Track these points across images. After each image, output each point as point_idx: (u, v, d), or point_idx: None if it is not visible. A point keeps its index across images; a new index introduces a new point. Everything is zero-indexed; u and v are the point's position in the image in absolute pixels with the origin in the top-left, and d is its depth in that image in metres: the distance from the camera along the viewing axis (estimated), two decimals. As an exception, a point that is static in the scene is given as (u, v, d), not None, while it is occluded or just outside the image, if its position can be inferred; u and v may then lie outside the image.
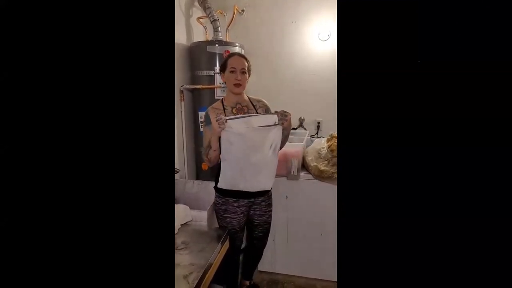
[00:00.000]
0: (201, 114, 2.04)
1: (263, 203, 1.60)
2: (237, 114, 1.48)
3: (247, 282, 1.88)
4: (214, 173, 1.60)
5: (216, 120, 1.30)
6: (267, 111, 1.58)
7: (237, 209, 1.54)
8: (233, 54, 1.50)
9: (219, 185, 1.47)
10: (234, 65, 1.44)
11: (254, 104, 1.56)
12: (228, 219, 1.54)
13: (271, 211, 1.66)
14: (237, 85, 1.45)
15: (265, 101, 1.61)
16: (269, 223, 1.68)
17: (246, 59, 1.49)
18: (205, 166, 2.12)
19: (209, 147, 1.43)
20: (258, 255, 1.83)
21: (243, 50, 2.14)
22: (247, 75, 1.48)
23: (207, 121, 1.45)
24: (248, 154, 1.37)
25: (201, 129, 2.04)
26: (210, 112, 1.47)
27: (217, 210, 1.57)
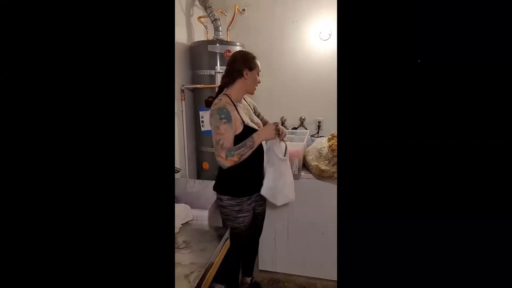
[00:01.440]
0: (202, 114, 2.04)
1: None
2: (242, 111, 1.49)
3: (248, 280, 1.88)
4: (214, 172, 1.61)
5: (278, 128, 1.42)
6: (254, 108, 1.65)
7: (249, 206, 1.56)
8: (255, 57, 1.48)
9: (262, 193, 1.53)
10: (259, 69, 1.48)
11: (247, 102, 1.61)
12: (241, 218, 1.53)
13: (266, 199, 1.70)
14: (256, 86, 1.50)
15: (249, 98, 1.66)
16: (265, 210, 1.77)
17: None
18: (206, 165, 2.12)
19: (247, 147, 1.37)
20: (256, 245, 1.86)
21: (243, 50, 2.14)
22: None
23: (228, 118, 1.36)
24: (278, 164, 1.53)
25: (203, 128, 2.05)
26: (228, 109, 1.38)
27: (229, 213, 1.52)
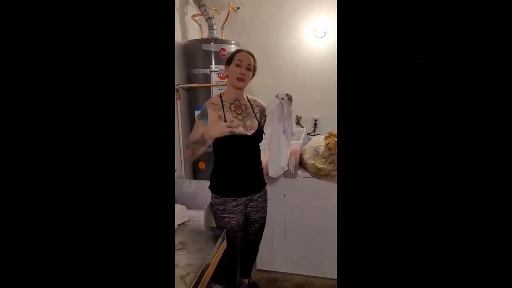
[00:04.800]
0: (198, 113, 2.02)
1: (259, 199, 1.61)
2: (235, 111, 1.47)
3: (246, 280, 1.88)
4: (211, 172, 1.60)
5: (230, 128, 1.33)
6: (262, 111, 1.57)
7: (235, 208, 1.53)
8: (241, 50, 1.48)
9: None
10: (241, 59, 1.42)
11: (251, 103, 1.55)
12: (226, 219, 1.53)
13: (266, 206, 1.68)
14: (240, 79, 1.42)
15: (260, 101, 1.61)
16: (265, 218, 1.70)
17: (254, 57, 1.47)
18: (202, 165, 2.11)
19: (199, 144, 1.37)
20: (255, 250, 1.83)
21: (238, 48, 2.13)
22: (252, 73, 1.47)
23: (203, 115, 1.42)
24: None
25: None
26: (208, 107, 1.43)
27: (215, 211, 1.56)
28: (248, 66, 1.43)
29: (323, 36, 2.28)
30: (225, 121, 1.41)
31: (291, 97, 1.48)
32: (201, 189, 1.83)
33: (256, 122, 1.51)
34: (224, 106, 1.45)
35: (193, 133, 1.44)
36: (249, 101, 1.55)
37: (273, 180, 1.90)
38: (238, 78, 1.42)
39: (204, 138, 1.35)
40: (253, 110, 1.53)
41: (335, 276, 1.96)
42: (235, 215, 1.53)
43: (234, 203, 1.52)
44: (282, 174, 1.90)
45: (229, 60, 1.46)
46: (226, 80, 1.65)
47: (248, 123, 1.48)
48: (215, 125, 1.33)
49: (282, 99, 1.43)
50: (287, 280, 2.03)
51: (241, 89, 1.49)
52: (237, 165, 1.46)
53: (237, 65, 1.42)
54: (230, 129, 1.32)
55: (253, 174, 1.52)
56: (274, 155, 1.52)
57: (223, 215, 1.53)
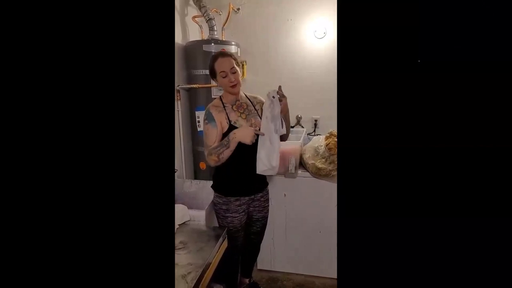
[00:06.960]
0: (198, 114, 2.03)
1: (262, 199, 1.62)
2: (237, 111, 1.48)
3: (247, 280, 1.88)
4: (211, 172, 1.60)
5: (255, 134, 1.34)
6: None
7: (238, 207, 1.54)
8: (216, 57, 1.43)
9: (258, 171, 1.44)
10: (223, 69, 1.39)
11: (251, 100, 1.56)
12: (229, 218, 1.54)
13: (268, 205, 1.69)
14: (233, 86, 1.42)
15: (260, 97, 1.61)
16: (267, 217, 1.71)
17: (230, 56, 1.43)
18: (203, 165, 2.11)
19: (223, 146, 1.36)
20: (256, 250, 1.84)
21: (239, 49, 2.13)
22: (238, 70, 1.44)
23: (210, 118, 1.42)
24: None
25: (199, 128, 2.05)
26: (212, 111, 1.43)
27: (218, 210, 1.56)
28: (232, 70, 1.40)
29: (323, 36, 2.29)
30: (230, 121, 1.43)
31: (283, 95, 1.43)
32: (202, 189, 1.84)
33: (259, 119, 1.50)
34: (226, 108, 1.46)
35: (208, 139, 1.42)
36: (248, 98, 1.56)
37: (274, 180, 1.90)
38: (231, 87, 1.42)
39: (229, 140, 1.35)
40: (255, 108, 1.54)
41: (335, 275, 1.96)
42: (238, 215, 1.54)
43: (237, 203, 1.53)
44: (282, 174, 1.91)
45: (212, 73, 1.44)
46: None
47: (252, 120, 1.49)
48: (243, 131, 1.35)
49: (273, 97, 1.39)
50: (287, 279, 2.04)
51: (237, 92, 1.48)
52: (241, 164, 1.46)
53: (223, 77, 1.40)
54: (255, 132, 1.35)
55: (256, 174, 1.52)
56: (265, 154, 1.44)
57: (226, 215, 1.53)
